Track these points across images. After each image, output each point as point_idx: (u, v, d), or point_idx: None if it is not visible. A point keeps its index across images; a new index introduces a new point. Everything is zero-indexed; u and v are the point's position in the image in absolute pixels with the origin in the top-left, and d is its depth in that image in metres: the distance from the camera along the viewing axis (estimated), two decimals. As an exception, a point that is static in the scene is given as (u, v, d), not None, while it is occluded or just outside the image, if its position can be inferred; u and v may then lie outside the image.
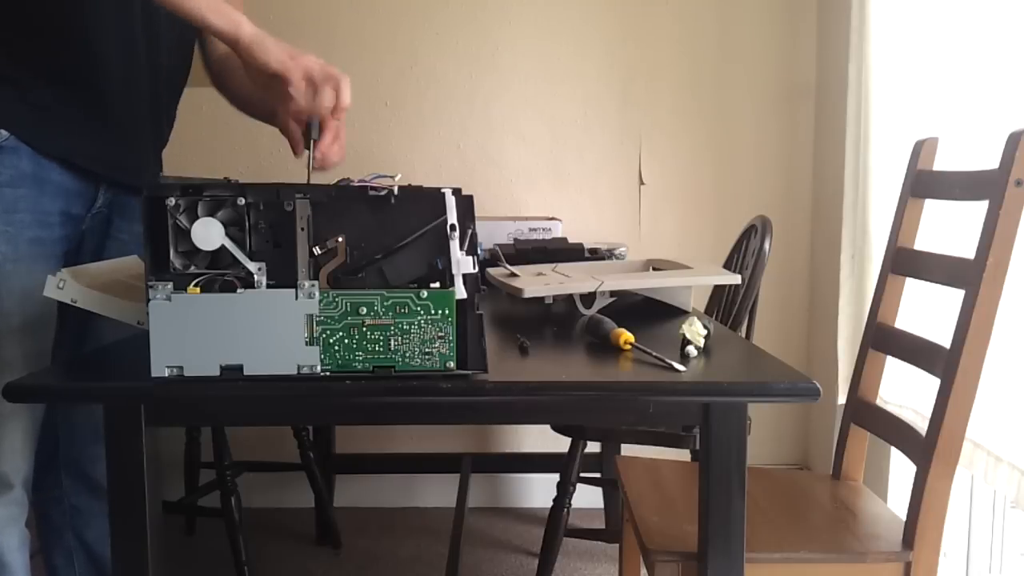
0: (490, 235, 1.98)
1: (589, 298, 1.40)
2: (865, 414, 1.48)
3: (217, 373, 0.89)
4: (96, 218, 1.38)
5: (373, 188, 0.91)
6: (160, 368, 0.89)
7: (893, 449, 1.46)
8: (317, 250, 0.89)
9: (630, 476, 1.54)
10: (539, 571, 2.05)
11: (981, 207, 1.22)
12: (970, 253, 1.22)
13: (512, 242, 1.88)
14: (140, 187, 1.38)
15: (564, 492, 2.01)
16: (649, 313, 1.43)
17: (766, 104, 2.65)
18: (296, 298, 0.89)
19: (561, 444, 2.15)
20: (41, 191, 1.27)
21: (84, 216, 1.35)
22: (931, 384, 1.25)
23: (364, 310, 0.90)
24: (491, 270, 1.51)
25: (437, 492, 2.70)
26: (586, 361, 1.07)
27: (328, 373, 0.90)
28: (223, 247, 0.88)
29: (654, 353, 1.01)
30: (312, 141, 1.22)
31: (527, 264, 1.62)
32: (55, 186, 1.28)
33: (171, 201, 0.88)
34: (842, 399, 2.04)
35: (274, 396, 0.91)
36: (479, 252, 1.35)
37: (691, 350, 1.05)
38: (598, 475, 2.41)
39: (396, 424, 2.69)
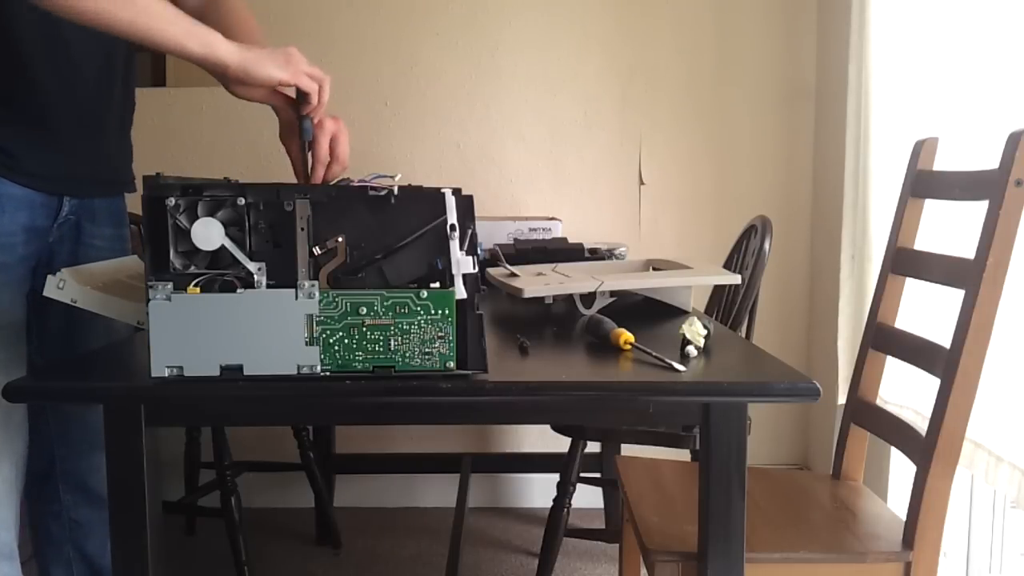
0: (490, 235, 1.98)
1: (589, 298, 1.40)
2: (865, 414, 1.48)
3: (217, 373, 0.89)
4: (64, 227, 1.31)
5: (373, 188, 0.91)
6: (160, 368, 0.89)
7: (893, 449, 1.46)
8: (317, 250, 0.89)
9: (630, 476, 1.54)
10: (539, 571, 2.05)
11: (981, 207, 1.22)
12: (970, 253, 1.22)
13: (512, 242, 1.88)
14: (105, 191, 1.36)
15: (564, 492, 2.01)
16: (649, 313, 1.43)
17: (766, 104, 2.65)
18: (296, 298, 0.89)
19: (561, 444, 2.15)
20: (1, 209, 1.20)
21: (50, 227, 1.28)
22: (931, 384, 1.25)
23: (364, 310, 0.90)
24: (491, 270, 1.51)
25: (437, 492, 2.70)
26: (586, 361, 1.07)
27: (328, 373, 0.90)
28: (223, 247, 0.88)
29: (654, 353, 1.01)
30: (306, 142, 1.20)
31: (527, 264, 1.62)
32: (16, 201, 1.22)
33: (171, 201, 0.88)
34: (842, 399, 2.04)
35: (274, 396, 0.91)
36: (479, 252, 1.35)
37: (691, 350, 1.05)
38: (598, 475, 2.40)
39: (396, 424, 2.69)
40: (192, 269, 0.89)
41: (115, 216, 1.42)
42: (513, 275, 1.46)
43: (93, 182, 1.35)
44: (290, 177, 1.24)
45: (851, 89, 2.16)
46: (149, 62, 2.60)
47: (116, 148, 1.40)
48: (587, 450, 2.07)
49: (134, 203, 1.19)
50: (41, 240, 1.28)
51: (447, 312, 0.90)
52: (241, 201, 0.89)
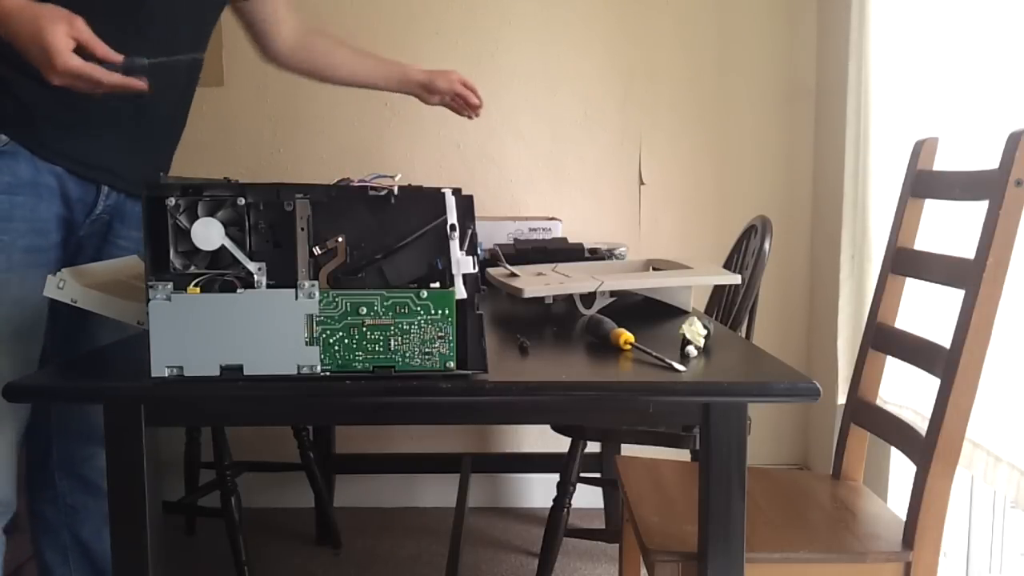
0: (490, 235, 1.98)
1: (589, 298, 1.40)
2: (865, 414, 1.48)
3: (217, 373, 0.89)
4: (96, 224, 1.37)
5: (373, 188, 0.91)
6: (160, 368, 0.89)
7: (893, 449, 1.46)
8: (317, 250, 0.89)
9: (630, 476, 1.54)
10: (539, 571, 2.05)
11: (981, 207, 1.22)
12: (970, 253, 1.23)
13: (512, 242, 1.88)
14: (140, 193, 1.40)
15: (564, 492, 2.01)
16: (649, 313, 1.43)
17: (766, 104, 2.65)
18: (296, 298, 0.89)
19: (561, 444, 2.15)
20: (39, 197, 1.25)
21: (83, 222, 1.34)
22: (931, 384, 1.25)
23: (364, 310, 0.90)
24: (491, 270, 1.51)
25: (437, 492, 2.70)
26: (586, 361, 1.07)
27: (328, 373, 0.90)
28: (223, 247, 0.88)
29: (654, 353, 1.01)
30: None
31: (527, 264, 1.62)
32: (53, 192, 1.27)
33: (171, 201, 0.88)
34: (842, 399, 2.04)
35: (274, 396, 0.91)
36: (479, 252, 1.35)
37: (691, 350, 1.05)
38: (598, 475, 2.40)
39: (396, 424, 2.68)
40: (192, 269, 0.89)
41: None
42: (513, 275, 1.46)
43: (130, 180, 1.37)
44: (290, 177, 1.25)
45: (851, 89, 2.16)
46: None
47: (166, 154, 1.44)
48: (587, 450, 2.07)
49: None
50: (73, 233, 1.33)
51: (447, 312, 0.90)
52: (241, 201, 0.89)
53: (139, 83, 1.16)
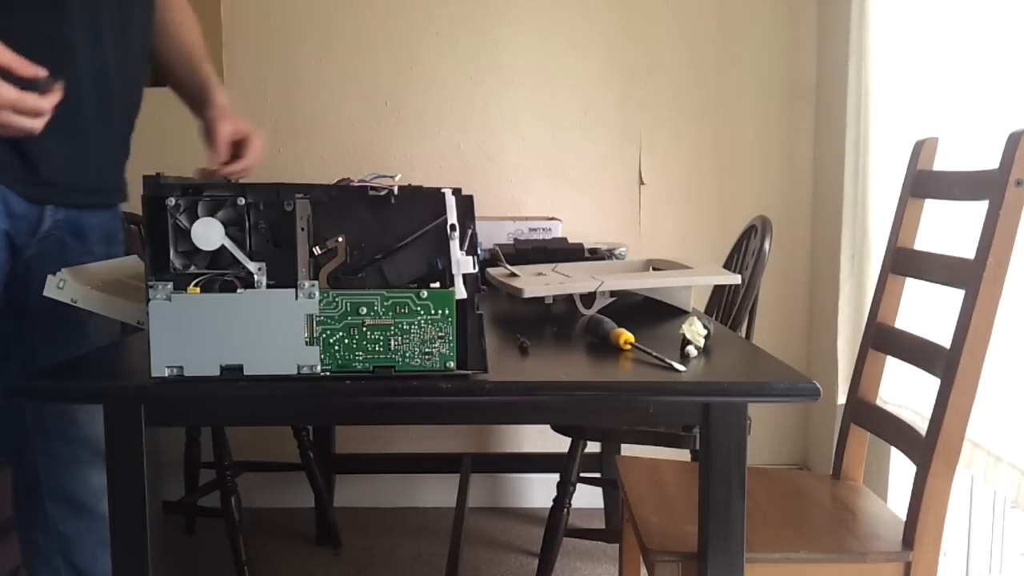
0: (490, 235, 1.98)
1: (589, 298, 1.40)
2: (865, 414, 1.48)
3: (217, 373, 0.89)
4: (47, 243, 1.22)
5: (373, 188, 0.91)
6: (160, 368, 0.89)
7: (893, 449, 1.46)
8: (317, 250, 0.89)
9: (630, 476, 1.54)
10: (539, 571, 2.05)
11: (981, 207, 1.22)
12: (970, 253, 1.23)
13: (512, 242, 1.88)
14: (95, 202, 1.28)
15: (564, 492, 2.01)
16: (649, 313, 1.43)
17: (766, 104, 2.65)
18: (296, 298, 0.89)
19: (561, 444, 2.15)
20: None
21: (28, 242, 1.20)
22: (931, 384, 1.25)
23: (364, 310, 0.90)
24: (491, 270, 1.51)
25: (437, 492, 2.70)
26: (586, 361, 1.07)
27: (328, 373, 0.90)
28: (223, 247, 0.88)
29: (654, 353, 1.01)
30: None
31: (527, 264, 1.62)
32: None
33: (171, 201, 0.88)
34: (842, 399, 2.04)
35: (274, 396, 0.91)
36: (479, 252, 1.35)
37: (691, 350, 1.05)
38: (598, 475, 2.41)
39: (396, 424, 2.69)
40: (192, 269, 0.89)
41: (107, 234, 1.32)
42: (513, 275, 1.46)
43: (76, 189, 1.24)
44: (290, 177, 1.24)
45: (851, 89, 2.16)
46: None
47: (108, 152, 1.29)
48: (587, 450, 2.07)
49: (135, 202, 1.17)
50: (18, 253, 1.21)
51: (447, 312, 0.90)
52: (241, 201, 0.89)
53: (58, 86, 1.04)
